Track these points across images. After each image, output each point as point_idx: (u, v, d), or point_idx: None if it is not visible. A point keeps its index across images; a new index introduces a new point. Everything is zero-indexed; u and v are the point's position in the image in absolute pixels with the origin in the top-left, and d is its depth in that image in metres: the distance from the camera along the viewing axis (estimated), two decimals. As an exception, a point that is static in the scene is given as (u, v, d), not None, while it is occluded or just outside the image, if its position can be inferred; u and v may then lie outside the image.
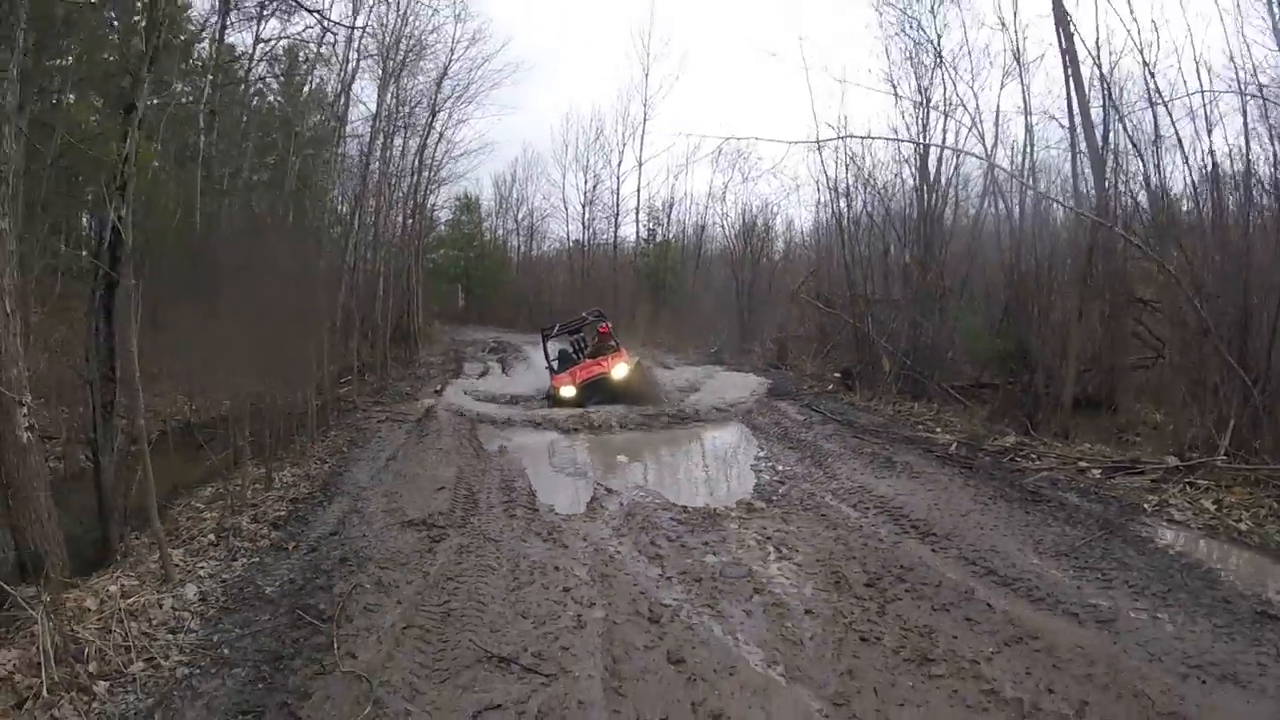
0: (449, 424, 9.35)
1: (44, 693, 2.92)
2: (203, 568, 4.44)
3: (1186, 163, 7.81)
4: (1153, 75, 7.72)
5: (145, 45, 4.84)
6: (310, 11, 11.13)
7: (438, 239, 26.71)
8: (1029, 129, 9.82)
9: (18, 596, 3.27)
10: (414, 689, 3.12)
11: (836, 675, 3.17)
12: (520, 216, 28.65)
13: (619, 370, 10.87)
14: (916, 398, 9.87)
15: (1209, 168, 7.52)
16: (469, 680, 3.20)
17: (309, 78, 15.72)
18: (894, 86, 11.30)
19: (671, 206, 22.56)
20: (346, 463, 7.24)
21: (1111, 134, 8.40)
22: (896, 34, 11.47)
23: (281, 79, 15.26)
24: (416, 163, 17.58)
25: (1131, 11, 7.78)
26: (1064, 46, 8.49)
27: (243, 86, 14.13)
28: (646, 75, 22.12)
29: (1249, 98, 7.20)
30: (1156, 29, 9.01)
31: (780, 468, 7.01)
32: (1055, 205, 9.40)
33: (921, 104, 11.06)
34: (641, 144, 21.70)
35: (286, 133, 14.25)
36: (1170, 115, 7.80)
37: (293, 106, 14.94)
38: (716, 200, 24.46)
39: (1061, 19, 8.43)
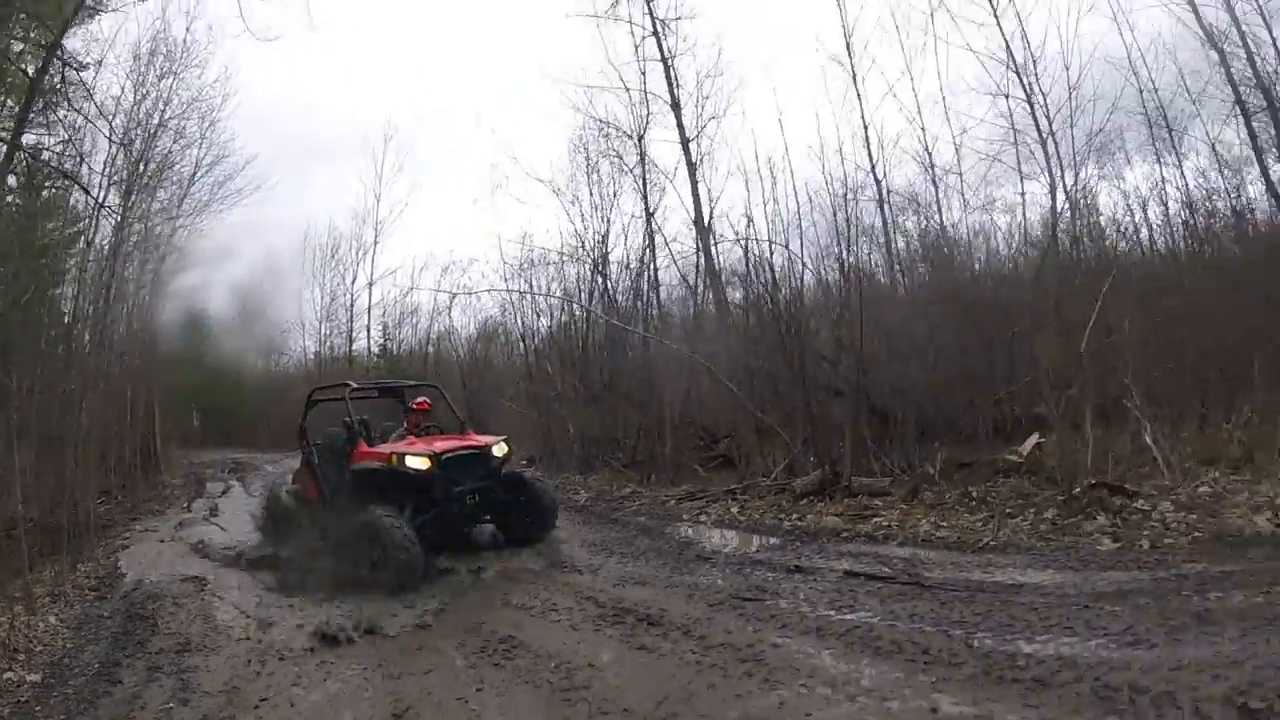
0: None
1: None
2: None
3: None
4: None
5: None
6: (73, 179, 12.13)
7: (171, 359, 26.52)
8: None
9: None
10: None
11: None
12: (257, 331, 29.04)
13: (500, 448, 8.16)
14: (584, 472, 12.72)
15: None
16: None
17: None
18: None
19: (401, 320, 24.39)
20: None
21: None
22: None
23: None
24: (154, 279, 18.24)
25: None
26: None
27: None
28: (378, 199, 24.53)
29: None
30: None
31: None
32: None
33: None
34: (373, 265, 23.69)
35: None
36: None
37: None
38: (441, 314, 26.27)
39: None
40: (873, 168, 11.96)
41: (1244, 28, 10.43)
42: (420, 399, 8.77)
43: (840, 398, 9.63)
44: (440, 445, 7.67)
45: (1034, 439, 7.94)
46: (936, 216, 12.29)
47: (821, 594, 5.43)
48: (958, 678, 3.80)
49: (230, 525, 10.35)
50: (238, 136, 18.71)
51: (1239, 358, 8.51)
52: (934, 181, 12.28)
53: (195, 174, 18.22)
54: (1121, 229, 11.66)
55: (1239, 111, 10.43)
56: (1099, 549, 5.85)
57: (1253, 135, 10.47)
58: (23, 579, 6.59)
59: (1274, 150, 10.38)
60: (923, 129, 12.45)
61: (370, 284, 25.08)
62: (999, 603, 4.82)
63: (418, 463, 7.28)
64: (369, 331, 25.38)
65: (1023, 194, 11.98)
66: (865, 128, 12.17)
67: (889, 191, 12.31)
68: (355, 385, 8.65)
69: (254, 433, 26.86)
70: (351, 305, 25.97)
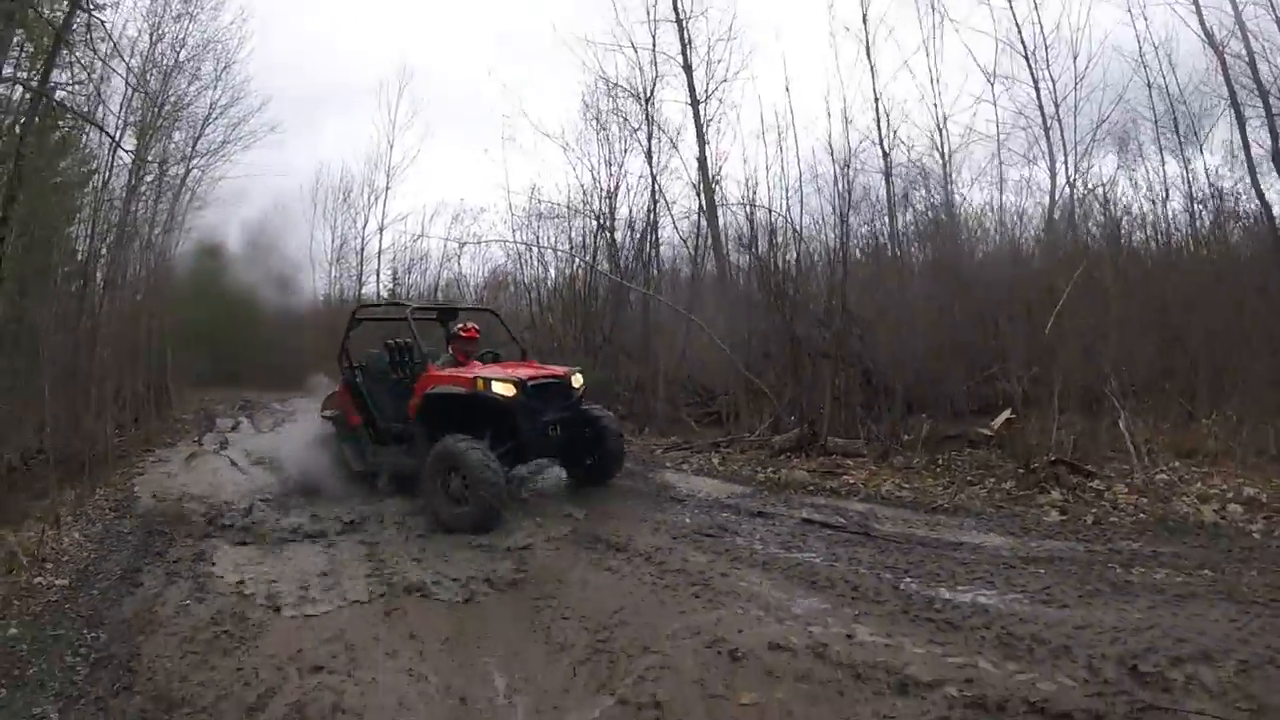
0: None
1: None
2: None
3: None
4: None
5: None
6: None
7: (182, 297, 26.98)
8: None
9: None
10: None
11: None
12: (269, 267, 29.30)
13: (577, 379, 7.77)
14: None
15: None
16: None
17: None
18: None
19: (410, 266, 24.61)
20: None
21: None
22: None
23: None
24: (168, 218, 18.65)
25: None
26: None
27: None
28: (391, 146, 24.06)
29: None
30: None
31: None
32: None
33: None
34: (384, 210, 23.82)
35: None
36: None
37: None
38: (450, 260, 26.61)
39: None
40: (881, 140, 12.16)
41: (1249, 32, 10.55)
42: (469, 325, 8.06)
43: (827, 360, 9.90)
44: (524, 372, 7.32)
45: (1005, 415, 8.24)
46: (942, 193, 12.55)
47: (776, 536, 5.97)
48: (878, 613, 4.30)
49: (240, 459, 10.76)
50: (253, 79, 19.02)
51: (1228, 355, 8.81)
52: (943, 157, 12.54)
53: (210, 116, 18.54)
54: (1126, 219, 11.94)
55: (1234, 115, 10.61)
56: (1044, 520, 6.24)
57: (1245, 140, 10.67)
58: (50, 499, 7.15)
59: (1268, 156, 10.53)
60: (935, 104, 12.66)
61: (381, 229, 25.10)
62: (934, 556, 5.30)
63: (504, 389, 6.89)
64: (378, 276, 25.47)
65: (1028, 177, 12.35)
66: (876, 99, 12.34)
67: (895, 165, 12.53)
68: (414, 305, 8.37)
69: (263, 372, 27.14)
70: (362, 249, 25.89)
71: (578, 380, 7.68)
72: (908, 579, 4.79)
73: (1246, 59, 10.64)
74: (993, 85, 12.40)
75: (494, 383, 6.89)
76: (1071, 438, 7.61)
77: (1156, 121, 11.65)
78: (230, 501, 7.73)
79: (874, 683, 3.49)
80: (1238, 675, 3.37)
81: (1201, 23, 11.02)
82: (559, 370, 7.73)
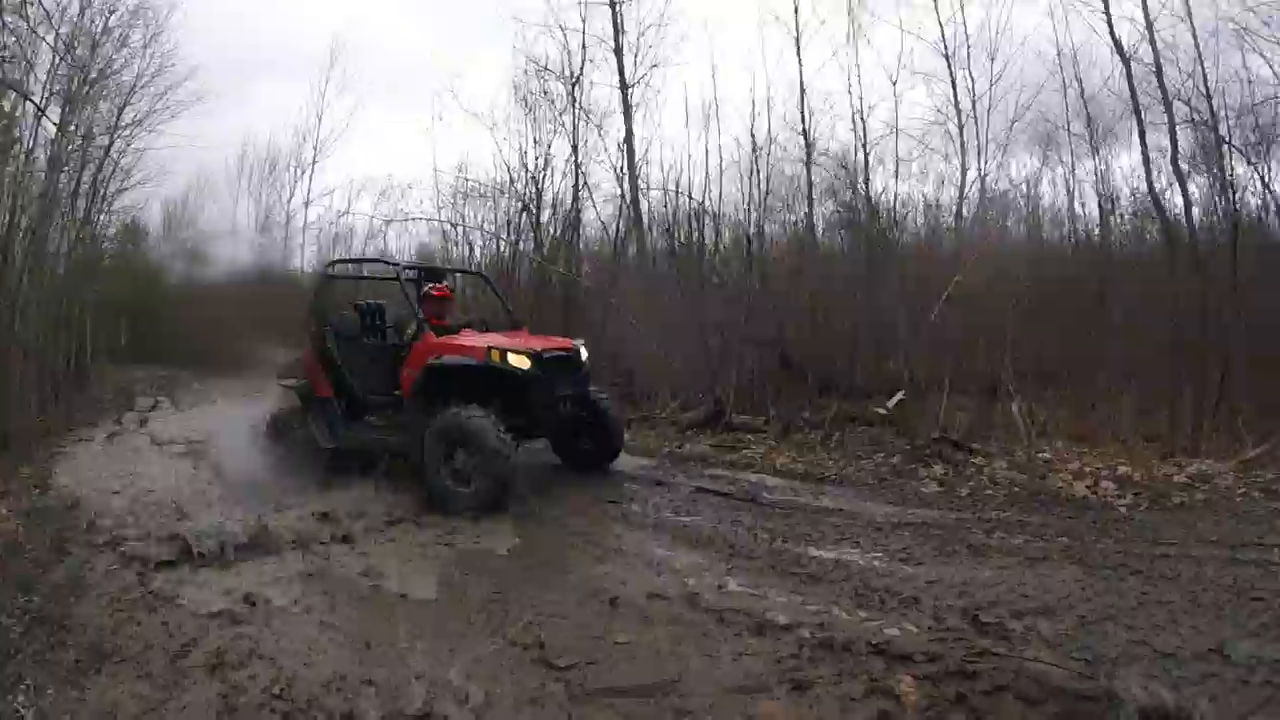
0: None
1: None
2: None
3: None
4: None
5: None
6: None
7: (103, 271, 26.13)
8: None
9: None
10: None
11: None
12: (190, 244, 28.50)
13: (583, 352, 7.40)
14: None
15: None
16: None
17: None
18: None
19: (336, 241, 24.21)
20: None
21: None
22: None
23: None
24: (91, 191, 18.03)
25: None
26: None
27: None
28: (320, 119, 23.58)
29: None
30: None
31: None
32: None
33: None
34: (310, 184, 23.27)
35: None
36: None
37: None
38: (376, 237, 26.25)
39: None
40: (805, 130, 12.56)
41: (1158, 41, 11.15)
42: (440, 284, 7.49)
43: (741, 342, 10.20)
44: (535, 343, 6.83)
45: (899, 395, 8.67)
46: (863, 184, 12.97)
47: (670, 503, 6.46)
48: (749, 568, 4.80)
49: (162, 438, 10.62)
50: (183, 45, 18.46)
51: (1128, 347, 9.37)
52: (865, 149, 12.95)
53: (137, 84, 17.99)
54: (1034, 215, 12.58)
55: (1135, 121, 11.23)
56: (923, 491, 6.79)
57: (1144, 145, 11.33)
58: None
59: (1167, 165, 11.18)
60: (860, 97, 13.08)
61: (307, 203, 24.63)
62: (810, 520, 5.84)
63: (519, 361, 6.39)
64: (303, 251, 25.00)
65: (942, 173, 12.89)
66: (802, 90, 12.76)
67: (817, 154, 12.95)
68: (402, 263, 7.73)
69: (182, 350, 26.34)
70: (287, 224, 25.46)
71: (584, 354, 7.31)
72: (781, 540, 5.31)
73: (1154, 68, 11.23)
74: (895, 84, 12.81)
75: (509, 354, 6.39)
76: (965, 418, 8.07)
77: (1068, 126, 12.25)
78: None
79: (736, 626, 3.90)
80: (1075, 629, 3.70)
81: (1111, 31, 11.59)
82: (567, 342, 7.28)
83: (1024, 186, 12.74)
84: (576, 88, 14.36)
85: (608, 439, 7.43)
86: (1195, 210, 11.46)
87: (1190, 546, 4.95)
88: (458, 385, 6.33)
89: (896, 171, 13.06)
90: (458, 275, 8.74)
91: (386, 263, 7.72)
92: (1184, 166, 11.36)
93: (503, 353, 6.36)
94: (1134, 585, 4.26)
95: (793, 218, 13.26)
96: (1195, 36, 10.87)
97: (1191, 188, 11.45)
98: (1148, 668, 3.26)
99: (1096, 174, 12.25)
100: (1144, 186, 11.80)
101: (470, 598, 4.45)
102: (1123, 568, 4.56)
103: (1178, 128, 11.31)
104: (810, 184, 12.75)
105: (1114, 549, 4.95)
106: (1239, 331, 8.82)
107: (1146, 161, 11.55)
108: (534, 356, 6.46)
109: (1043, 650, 3.45)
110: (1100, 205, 12.17)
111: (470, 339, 6.74)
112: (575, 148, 14.29)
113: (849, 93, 13.09)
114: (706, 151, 12.78)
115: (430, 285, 7.38)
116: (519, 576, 4.76)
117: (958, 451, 7.37)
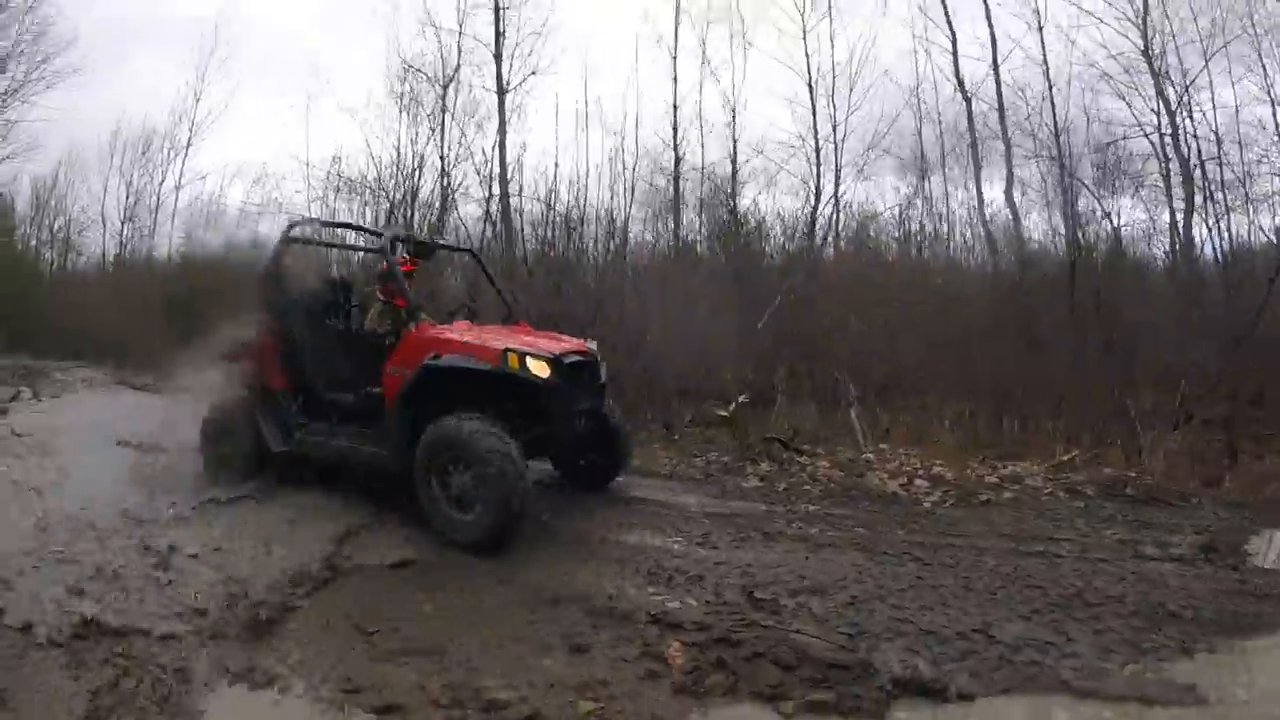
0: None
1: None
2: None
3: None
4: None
5: None
6: None
7: None
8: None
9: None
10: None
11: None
12: (57, 227, 27.08)
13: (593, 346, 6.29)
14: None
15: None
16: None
17: None
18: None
19: (207, 228, 23.49)
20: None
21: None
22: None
23: None
24: None
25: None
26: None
27: None
28: (198, 99, 22.99)
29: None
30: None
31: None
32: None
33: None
34: (183, 167, 22.53)
35: None
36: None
37: None
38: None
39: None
40: (675, 145, 13.21)
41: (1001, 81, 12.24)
42: (402, 256, 6.36)
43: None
44: (555, 345, 5.69)
45: (739, 399, 9.10)
46: (729, 199, 13.63)
47: None
48: (558, 551, 5.17)
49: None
50: (64, 14, 17.77)
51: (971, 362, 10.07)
52: (734, 165, 13.69)
53: (13, 51, 17.24)
54: (882, 236, 13.58)
55: (971, 154, 12.32)
56: (744, 485, 7.17)
57: (978, 178, 12.46)
58: None
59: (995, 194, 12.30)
60: (733, 115, 13.91)
61: (178, 187, 23.87)
62: (629, 510, 6.22)
63: (539, 367, 5.24)
64: (172, 238, 24.11)
65: (801, 192, 13.90)
66: (675, 107, 13.50)
67: (687, 169, 13.65)
68: (393, 231, 6.48)
69: (44, 338, 25.24)
70: (157, 208, 24.64)
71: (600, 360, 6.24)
72: (596, 527, 5.58)
73: (996, 106, 12.27)
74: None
75: (529, 359, 5.24)
76: (809, 423, 8.53)
77: (922, 151, 13.22)
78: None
79: (534, 598, 4.33)
80: (844, 607, 4.06)
81: (956, 71, 12.66)
82: (583, 345, 6.15)
83: (881, 208, 13.73)
84: (451, 88, 14.57)
85: (616, 455, 6.60)
86: (1035, 240, 12.63)
87: (980, 539, 5.34)
88: (457, 391, 5.30)
89: (766, 187, 13.90)
90: (439, 253, 7.39)
91: (369, 231, 6.62)
92: (1017, 198, 12.46)
93: (521, 357, 5.22)
94: (911, 570, 4.64)
95: (661, 227, 13.91)
96: (1048, 78, 12.04)
97: (1036, 218, 12.62)
98: (910, 643, 3.61)
99: (945, 200, 13.30)
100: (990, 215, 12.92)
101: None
102: (905, 555, 4.93)
103: (1029, 161, 12.49)
104: (678, 195, 13.41)
105: (903, 539, 5.34)
106: (1082, 354, 9.64)
107: (980, 191, 12.73)
108: (553, 362, 5.37)
109: (809, 624, 3.82)
110: (945, 232, 13.28)
111: (473, 335, 5.62)
112: (442, 157, 14.72)
113: (725, 106, 13.92)
114: (577, 161, 13.29)
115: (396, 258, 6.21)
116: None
117: (785, 451, 7.86)
